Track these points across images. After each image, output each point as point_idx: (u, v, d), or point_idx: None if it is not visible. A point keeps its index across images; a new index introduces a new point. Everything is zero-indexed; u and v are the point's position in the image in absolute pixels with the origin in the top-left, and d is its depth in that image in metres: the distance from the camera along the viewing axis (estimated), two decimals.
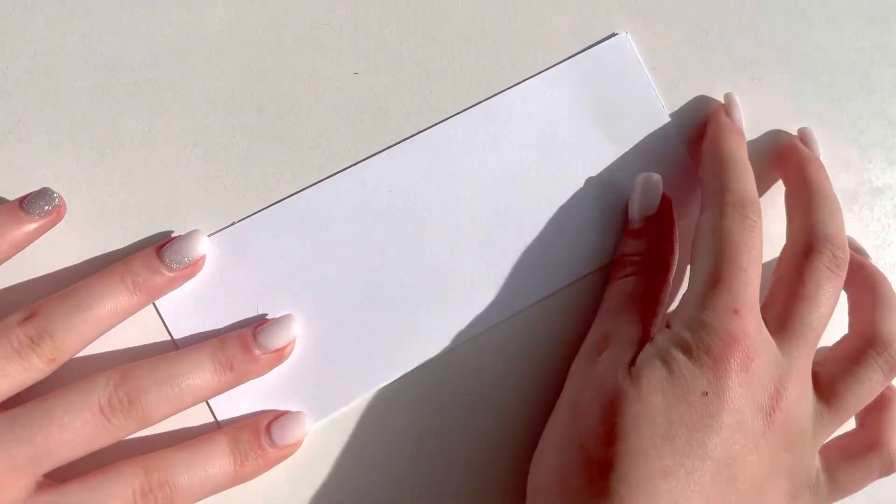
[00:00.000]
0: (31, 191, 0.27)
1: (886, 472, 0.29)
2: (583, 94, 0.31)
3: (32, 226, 0.27)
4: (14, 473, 0.24)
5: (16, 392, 0.26)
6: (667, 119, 0.31)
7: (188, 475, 0.26)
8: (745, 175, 0.29)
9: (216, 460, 0.26)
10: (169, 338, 0.29)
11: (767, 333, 0.27)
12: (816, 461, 0.28)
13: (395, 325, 0.30)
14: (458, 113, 0.31)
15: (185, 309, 0.29)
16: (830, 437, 0.28)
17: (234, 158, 0.30)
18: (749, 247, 0.27)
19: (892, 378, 0.28)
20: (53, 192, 0.27)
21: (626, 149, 0.31)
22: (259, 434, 0.27)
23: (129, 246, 0.29)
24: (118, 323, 0.27)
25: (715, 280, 0.26)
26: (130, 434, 0.26)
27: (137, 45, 0.30)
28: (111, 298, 0.26)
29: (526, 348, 0.30)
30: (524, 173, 0.29)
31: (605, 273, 0.31)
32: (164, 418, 0.26)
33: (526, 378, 0.30)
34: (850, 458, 0.28)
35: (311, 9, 0.31)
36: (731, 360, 0.25)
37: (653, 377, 0.26)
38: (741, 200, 0.28)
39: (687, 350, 0.26)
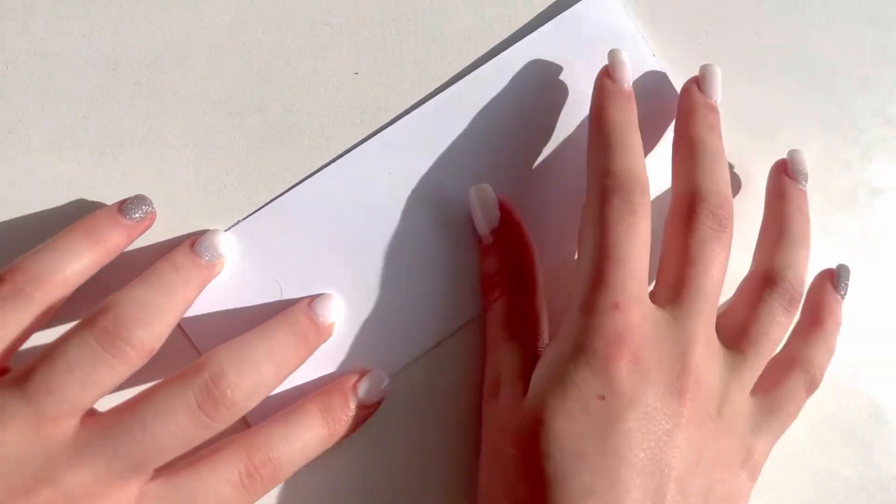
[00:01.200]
0: (128, 196, 0.28)
1: (810, 389, 0.28)
2: (572, 56, 0.31)
3: (130, 230, 0.27)
4: (119, 482, 0.24)
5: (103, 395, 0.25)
6: (658, 68, 0.31)
7: (288, 447, 0.26)
8: (627, 151, 0.27)
9: (312, 429, 0.27)
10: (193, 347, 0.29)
11: (657, 314, 0.26)
12: (747, 406, 0.27)
13: (399, 313, 0.30)
14: (442, 90, 0.31)
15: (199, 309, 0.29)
16: (756, 379, 0.27)
17: (234, 158, 0.30)
18: (630, 235, 0.26)
19: (795, 310, 0.28)
20: (147, 199, 0.28)
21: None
22: (347, 396, 0.28)
23: (130, 246, 0.29)
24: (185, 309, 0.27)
25: (596, 280, 0.26)
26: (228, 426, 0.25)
27: (137, 45, 0.30)
28: (182, 289, 0.26)
29: None
30: (518, 150, 0.29)
31: None
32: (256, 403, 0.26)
33: None
34: (777, 383, 0.28)
35: (311, 9, 0.31)
36: (619, 357, 0.24)
37: (549, 400, 0.25)
38: (622, 183, 0.26)
39: (574, 359, 0.25)
